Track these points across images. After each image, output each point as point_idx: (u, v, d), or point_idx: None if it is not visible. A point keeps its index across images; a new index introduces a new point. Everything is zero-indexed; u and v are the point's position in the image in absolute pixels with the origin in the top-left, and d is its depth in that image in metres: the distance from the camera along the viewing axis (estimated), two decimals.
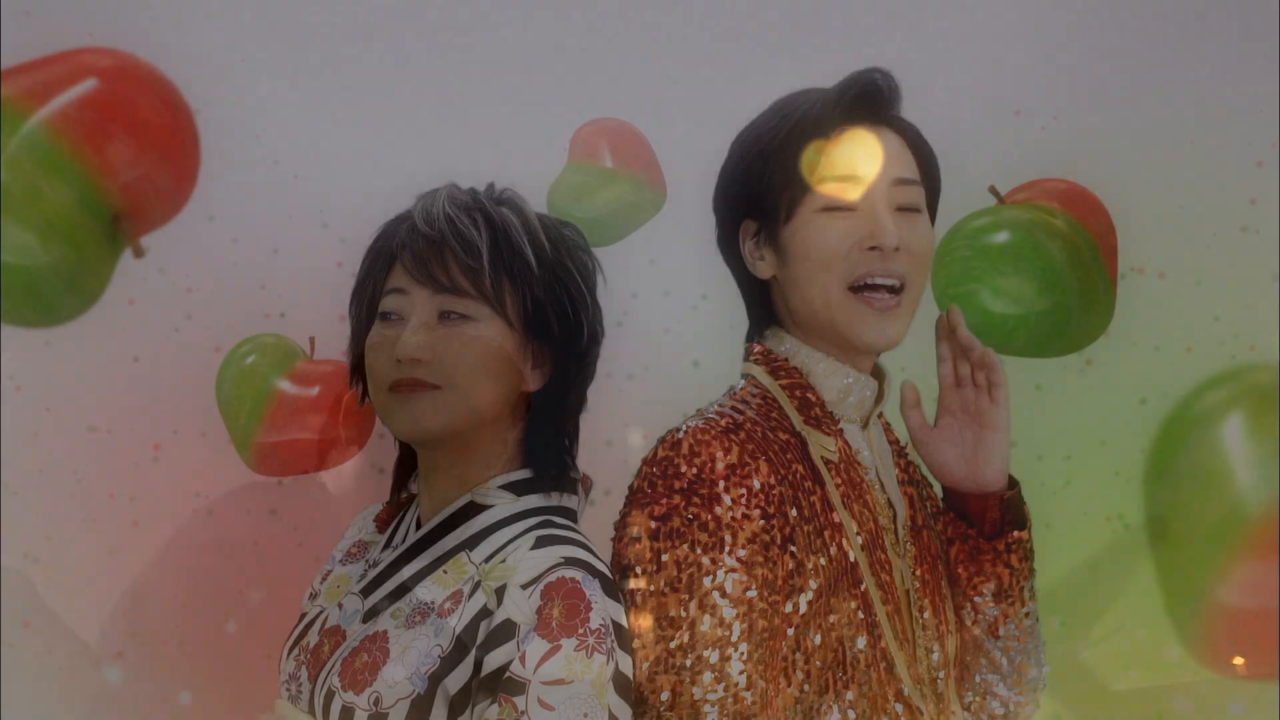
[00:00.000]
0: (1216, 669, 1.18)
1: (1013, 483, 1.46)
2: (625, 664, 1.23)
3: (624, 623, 1.25)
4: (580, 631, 1.20)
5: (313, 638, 1.37)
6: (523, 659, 1.19)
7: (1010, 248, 1.72)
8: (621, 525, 1.32)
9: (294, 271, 3.21)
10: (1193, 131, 3.09)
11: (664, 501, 1.27)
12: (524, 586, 1.23)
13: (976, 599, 1.46)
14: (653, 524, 1.27)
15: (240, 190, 3.13)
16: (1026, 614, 1.47)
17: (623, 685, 1.22)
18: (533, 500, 1.35)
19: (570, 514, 1.38)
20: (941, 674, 1.43)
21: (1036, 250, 1.69)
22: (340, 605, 1.37)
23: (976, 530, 1.45)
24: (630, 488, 1.33)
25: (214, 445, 2.61)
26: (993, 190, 1.80)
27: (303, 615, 1.44)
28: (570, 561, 1.25)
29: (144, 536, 3.29)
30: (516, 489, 1.35)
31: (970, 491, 1.44)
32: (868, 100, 1.38)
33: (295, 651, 1.38)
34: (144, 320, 3.16)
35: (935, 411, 1.47)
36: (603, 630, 1.21)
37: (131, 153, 1.27)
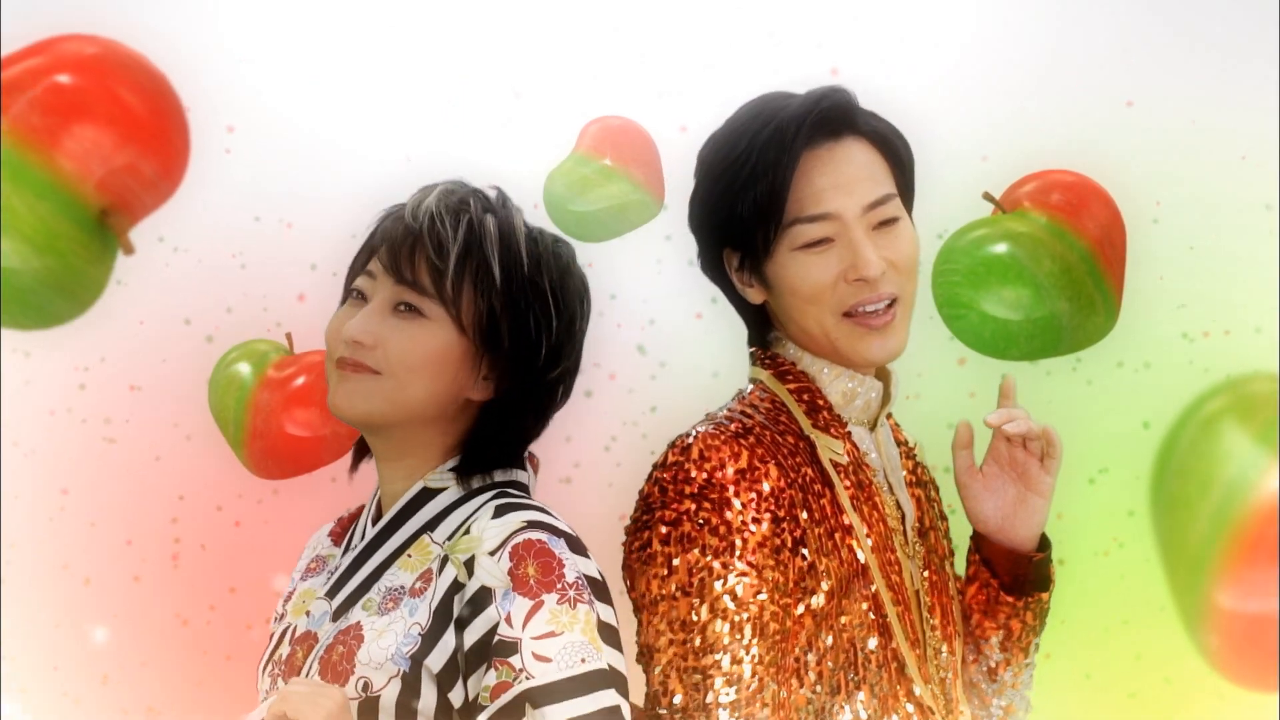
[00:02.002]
0: (1231, 678, 1.19)
1: (1044, 544, 1.46)
2: (607, 614, 1.25)
3: (597, 576, 1.27)
4: (559, 586, 1.22)
5: (284, 649, 1.37)
6: (508, 620, 1.21)
7: (998, 263, 1.72)
8: (632, 530, 1.33)
9: (282, 269, 3.21)
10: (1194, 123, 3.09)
11: (674, 507, 1.28)
12: (491, 553, 1.25)
13: (982, 642, 1.48)
14: (664, 529, 1.28)
15: (227, 187, 3.14)
16: (1028, 664, 1.49)
17: (610, 634, 1.24)
18: (483, 478, 1.37)
19: (523, 487, 1.39)
20: (949, 674, 1.44)
21: (1021, 273, 1.69)
22: (308, 613, 1.37)
23: (998, 581, 1.45)
24: (640, 493, 1.34)
25: (213, 448, 2.61)
26: (988, 196, 1.79)
27: (271, 635, 1.44)
28: (532, 525, 1.27)
29: (148, 534, 3.29)
30: (465, 469, 1.37)
31: (1001, 544, 1.44)
32: (824, 125, 1.36)
33: (269, 667, 1.38)
34: (136, 321, 3.16)
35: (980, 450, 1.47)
36: (579, 583, 1.24)
37: (108, 145, 1.23)
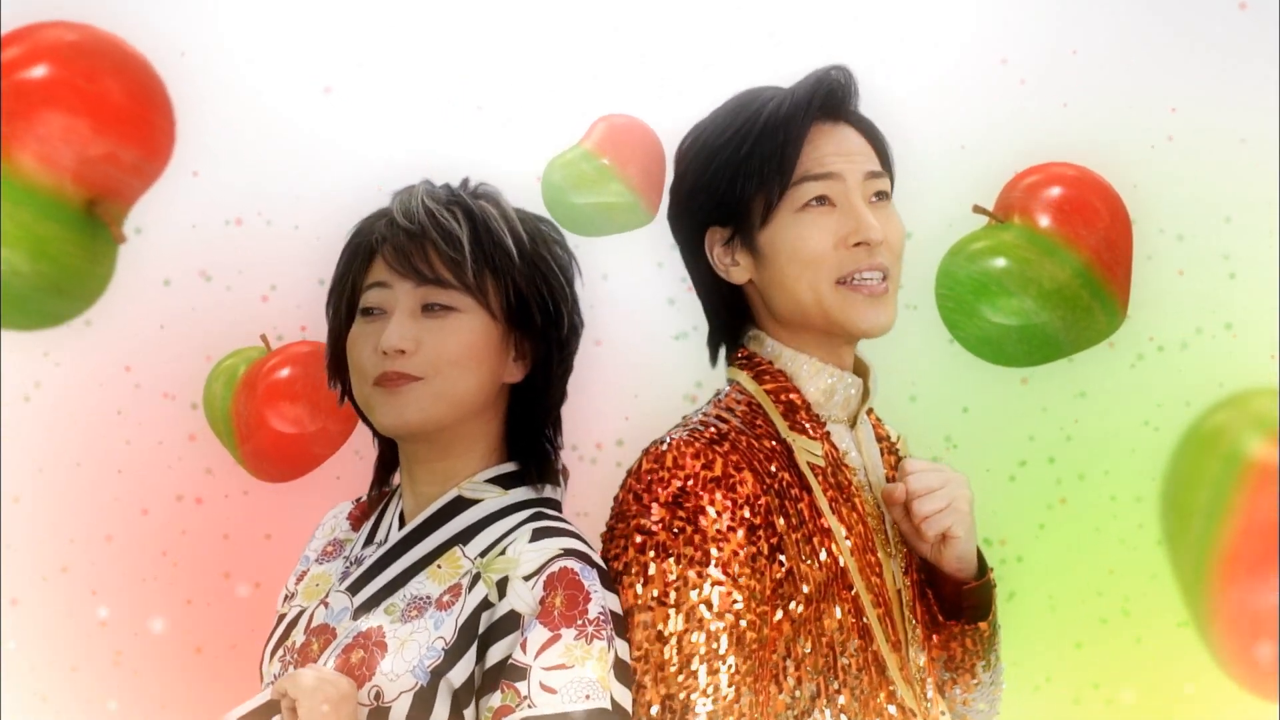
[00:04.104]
0: (1241, 681, 1.19)
1: (983, 570, 1.44)
2: (624, 650, 1.25)
3: (619, 611, 1.27)
4: (579, 622, 1.23)
5: (298, 637, 1.36)
6: (523, 646, 1.22)
7: (987, 287, 1.76)
8: (607, 538, 1.32)
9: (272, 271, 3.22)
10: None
11: (649, 515, 1.27)
12: (526, 578, 1.25)
13: (931, 661, 1.46)
14: (638, 538, 1.27)
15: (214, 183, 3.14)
16: (978, 684, 1.47)
17: (623, 671, 1.24)
18: (521, 493, 1.37)
19: (557, 505, 1.39)
20: (930, 677, 1.43)
21: (1010, 295, 1.73)
22: (326, 604, 1.37)
23: (937, 604, 1.44)
24: (615, 499, 1.33)
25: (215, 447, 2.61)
26: (979, 209, 1.80)
27: (281, 617, 1.43)
28: (569, 553, 1.27)
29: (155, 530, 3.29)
30: (504, 482, 1.37)
31: (934, 567, 1.42)
32: (832, 98, 1.38)
33: (280, 652, 1.38)
34: (133, 324, 3.16)
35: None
36: (601, 619, 1.23)
37: (79, 137, 1.20)
